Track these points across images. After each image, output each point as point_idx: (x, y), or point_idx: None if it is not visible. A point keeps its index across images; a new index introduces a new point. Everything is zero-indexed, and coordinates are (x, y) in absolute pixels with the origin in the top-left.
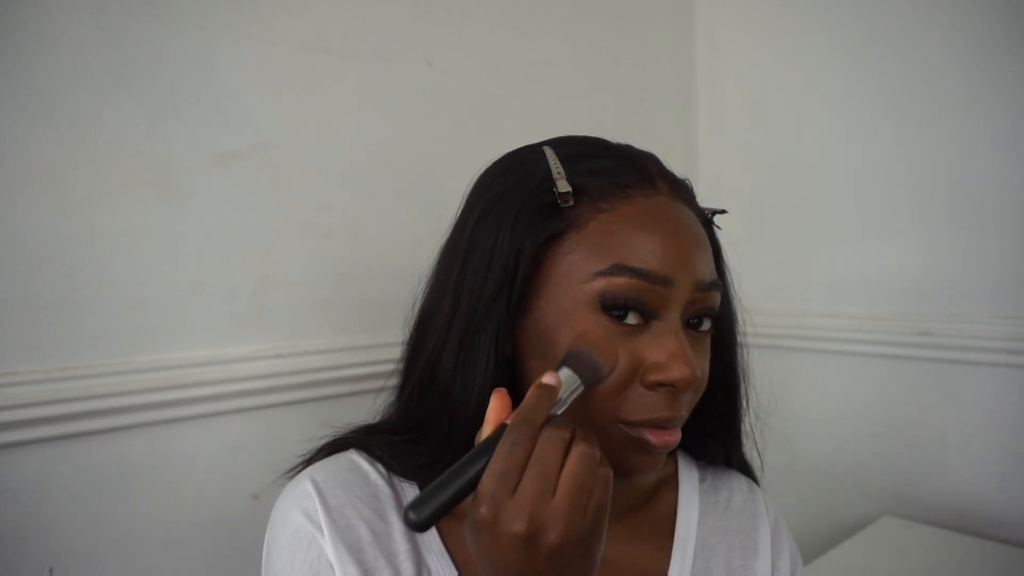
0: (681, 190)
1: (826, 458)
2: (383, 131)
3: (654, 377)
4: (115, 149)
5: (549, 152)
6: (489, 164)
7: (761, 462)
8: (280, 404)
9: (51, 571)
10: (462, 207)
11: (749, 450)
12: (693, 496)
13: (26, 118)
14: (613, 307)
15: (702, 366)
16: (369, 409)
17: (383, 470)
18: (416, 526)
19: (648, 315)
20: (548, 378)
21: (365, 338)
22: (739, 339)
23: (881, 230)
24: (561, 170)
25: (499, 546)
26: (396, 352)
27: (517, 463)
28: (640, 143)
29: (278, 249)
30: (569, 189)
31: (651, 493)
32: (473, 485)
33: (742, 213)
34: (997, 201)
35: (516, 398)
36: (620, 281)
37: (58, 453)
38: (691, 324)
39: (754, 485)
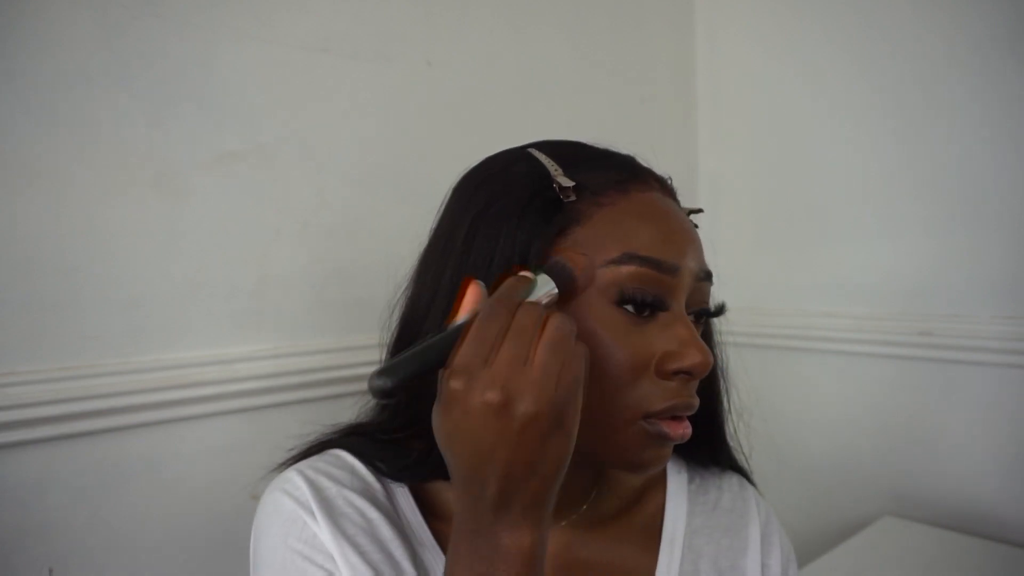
0: (668, 187)
1: (826, 458)
2: (383, 131)
3: (670, 366)
4: (115, 149)
5: (538, 153)
6: (469, 169)
7: (747, 461)
8: (280, 404)
9: (51, 571)
10: (445, 212)
11: (736, 450)
12: (681, 496)
13: (26, 118)
14: (628, 297)
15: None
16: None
17: (370, 469)
18: (383, 392)
19: (657, 305)
20: (524, 272)
21: (365, 338)
22: (716, 338)
23: (881, 230)
24: (557, 167)
25: (471, 418)
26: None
27: (492, 335)
28: (640, 143)
29: (278, 249)
30: (572, 183)
31: (639, 494)
32: (443, 358)
33: (742, 213)
34: (997, 201)
35: None
36: (631, 269)
37: (58, 453)
38: (695, 317)
39: (745, 483)
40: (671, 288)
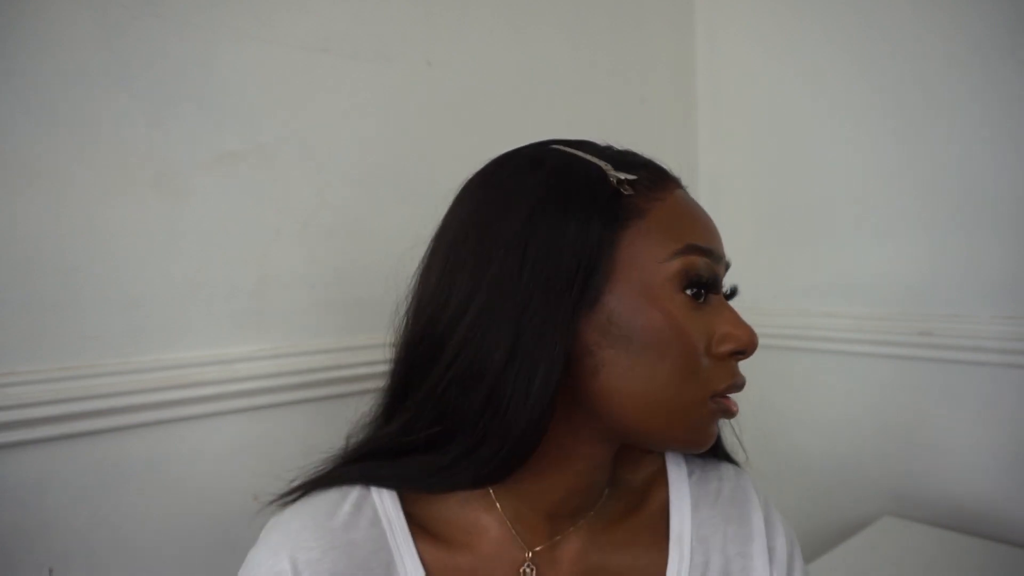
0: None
1: (826, 458)
2: (383, 131)
3: (727, 347)
4: (115, 149)
5: (573, 149)
6: (488, 164)
7: (744, 451)
8: (280, 404)
9: (51, 571)
10: (473, 206)
11: (728, 438)
12: (683, 491)
13: (26, 118)
14: (694, 284)
15: None
16: (366, 409)
17: (386, 507)
18: None
19: (710, 290)
20: None
21: (365, 338)
22: None
23: (881, 230)
24: (607, 164)
25: None
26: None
27: None
28: (640, 143)
29: (278, 249)
30: (633, 177)
31: (642, 493)
32: None
33: (742, 213)
34: (997, 201)
35: (571, 394)
36: (695, 259)
37: (58, 453)
38: None
39: (741, 471)
40: (718, 275)
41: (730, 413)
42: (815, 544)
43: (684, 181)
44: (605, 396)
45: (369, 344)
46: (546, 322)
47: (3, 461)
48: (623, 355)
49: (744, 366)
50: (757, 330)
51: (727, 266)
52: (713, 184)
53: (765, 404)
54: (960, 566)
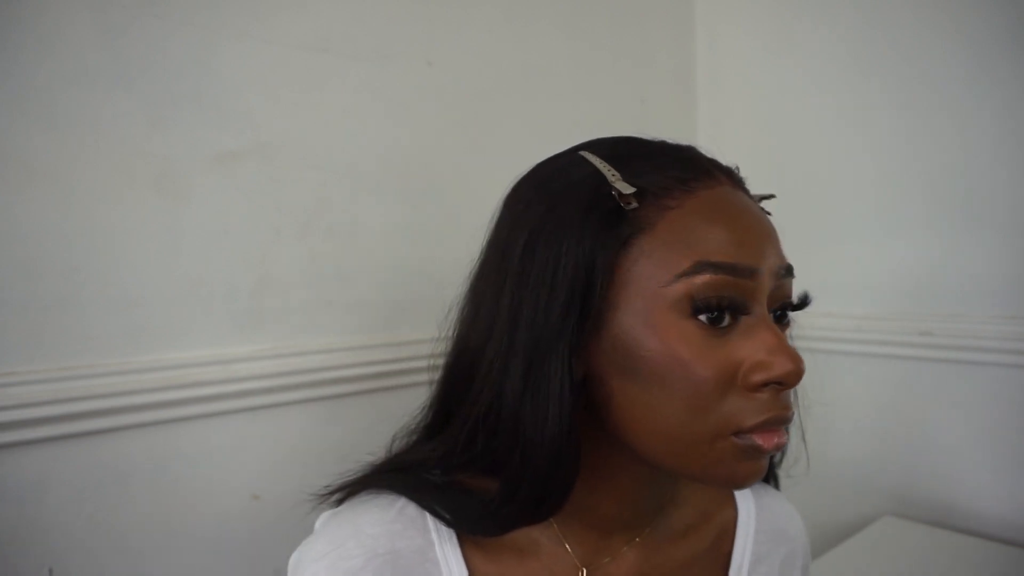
0: (736, 177)
1: (826, 458)
2: (383, 131)
3: (759, 377)
4: (115, 149)
5: (591, 156)
6: (521, 177)
7: (807, 459)
8: (280, 404)
9: (51, 571)
10: (497, 225)
11: (796, 444)
12: (750, 519)
13: (26, 118)
14: (704, 308)
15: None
16: (368, 410)
17: (427, 523)
18: None
19: (737, 312)
20: None
21: (365, 338)
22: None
23: (882, 230)
24: (615, 172)
25: None
26: (396, 352)
27: None
28: None
29: (278, 249)
30: (633, 190)
31: (707, 513)
32: None
33: None
34: (997, 201)
35: (591, 423)
36: (706, 279)
37: (58, 453)
38: (776, 317)
39: (795, 513)
40: (751, 292)
41: (762, 451)
42: (815, 544)
43: None
44: (621, 426)
45: (369, 344)
46: (550, 351)
47: (3, 461)
48: (630, 385)
49: None
50: None
51: (784, 274)
52: None
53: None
54: (960, 566)
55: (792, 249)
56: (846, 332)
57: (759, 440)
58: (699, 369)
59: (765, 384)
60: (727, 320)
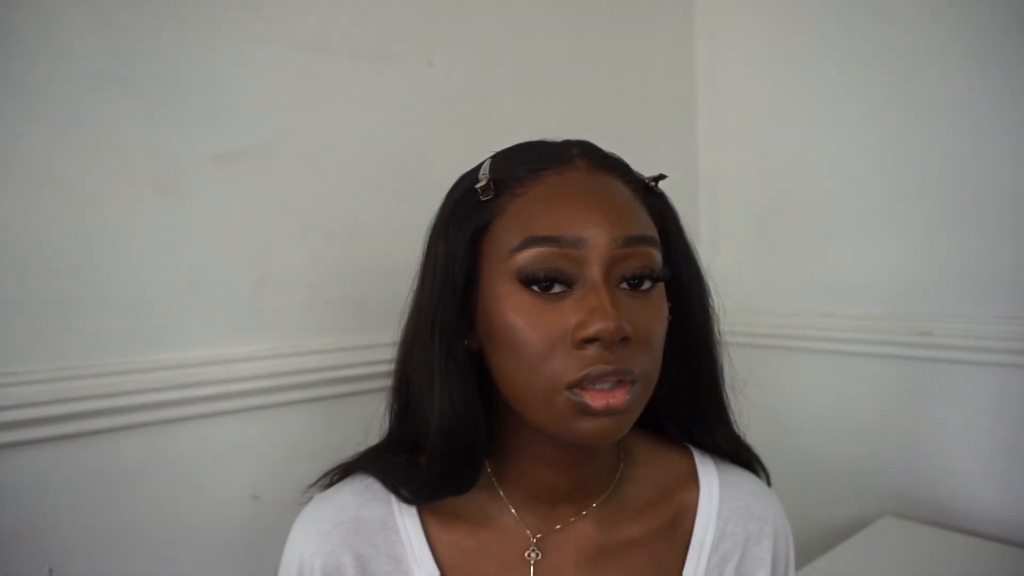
0: (605, 164)
1: (826, 458)
2: (383, 131)
3: (579, 334)
4: (115, 149)
5: (487, 160)
6: None
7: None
8: (280, 404)
9: (51, 571)
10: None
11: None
12: (713, 498)
13: (26, 118)
14: (532, 279)
15: (637, 321)
16: (368, 409)
17: (390, 497)
18: None
19: (569, 280)
20: None
21: (365, 338)
22: (710, 311)
23: (881, 230)
24: (487, 171)
25: None
26: (396, 351)
27: None
28: (640, 143)
29: (278, 249)
30: (484, 183)
31: (669, 490)
32: None
33: (742, 213)
34: (997, 201)
35: (490, 390)
36: (532, 252)
37: (58, 453)
38: (631, 284)
39: (768, 491)
40: (581, 260)
41: (590, 410)
42: (815, 544)
43: (684, 181)
44: (502, 391)
45: (368, 344)
46: (432, 333)
47: (3, 461)
48: (497, 353)
49: (743, 365)
50: (756, 330)
51: (624, 243)
52: (713, 184)
53: (765, 404)
54: (960, 566)
55: (792, 249)
56: (846, 332)
57: (588, 398)
58: (529, 332)
59: (585, 341)
60: (558, 288)
